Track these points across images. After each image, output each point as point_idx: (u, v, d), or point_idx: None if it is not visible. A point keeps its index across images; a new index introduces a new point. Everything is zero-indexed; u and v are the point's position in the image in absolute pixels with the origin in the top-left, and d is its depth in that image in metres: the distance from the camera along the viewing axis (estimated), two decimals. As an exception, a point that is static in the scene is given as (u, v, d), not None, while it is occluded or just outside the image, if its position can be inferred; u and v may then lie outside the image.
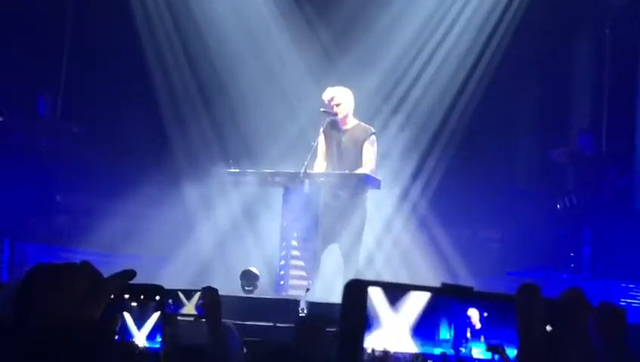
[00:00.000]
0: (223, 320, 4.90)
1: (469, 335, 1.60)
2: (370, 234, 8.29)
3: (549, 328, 1.45)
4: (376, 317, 1.37)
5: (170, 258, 8.93)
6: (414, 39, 10.68)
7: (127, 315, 3.34)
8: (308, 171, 7.57)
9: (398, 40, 10.68)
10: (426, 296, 1.48)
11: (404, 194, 9.68)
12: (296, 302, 6.78)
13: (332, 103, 7.73)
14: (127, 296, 3.03)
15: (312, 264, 7.60)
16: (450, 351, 1.63)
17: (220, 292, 4.23)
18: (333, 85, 7.92)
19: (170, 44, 10.62)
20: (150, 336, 3.50)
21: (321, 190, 7.64)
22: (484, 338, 1.60)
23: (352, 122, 7.81)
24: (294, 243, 7.62)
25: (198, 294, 4.70)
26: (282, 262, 7.60)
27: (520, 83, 11.28)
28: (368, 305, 1.38)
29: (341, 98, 7.77)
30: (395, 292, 1.45)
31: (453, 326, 1.58)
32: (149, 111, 10.55)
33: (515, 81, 11.13)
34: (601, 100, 11.23)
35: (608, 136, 10.93)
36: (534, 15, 10.90)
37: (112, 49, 10.52)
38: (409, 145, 10.17)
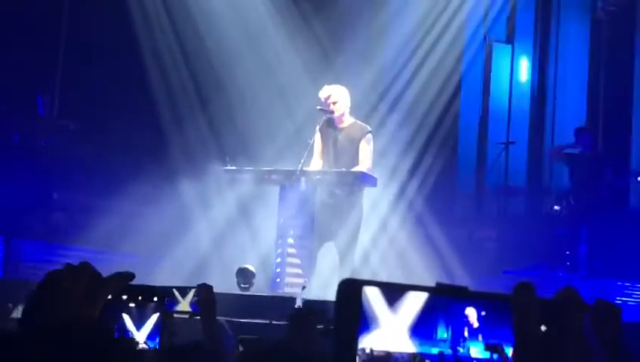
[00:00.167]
0: (214, 318, 4.90)
1: (466, 334, 1.60)
2: (366, 233, 8.29)
3: (544, 327, 1.45)
4: (375, 318, 1.37)
5: (166, 255, 8.92)
6: (411, 37, 10.68)
7: (126, 316, 3.35)
8: (304, 169, 7.57)
9: (395, 37, 10.68)
10: (423, 296, 1.48)
11: (401, 193, 9.68)
12: (292, 300, 6.78)
13: (329, 101, 7.73)
14: (125, 297, 3.03)
15: (308, 262, 7.60)
16: (448, 351, 1.64)
17: (216, 290, 4.23)
18: (329, 83, 7.92)
19: (167, 41, 10.60)
20: (149, 337, 3.51)
21: (317, 188, 7.65)
22: (482, 337, 1.60)
23: (348, 120, 7.81)
24: (290, 240, 7.62)
25: (192, 291, 4.70)
26: (278, 260, 7.61)
27: (512, 79, 11.32)
28: (366, 305, 1.38)
29: (338, 96, 7.76)
30: (393, 293, 1.45)
31: (450, 325, 1.58)
32: (145, 108, 10.53)
33: (507, 78, 11.17)
34: (597, 99, 11.25)
35: (605, 135, 10.94)
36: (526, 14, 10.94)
37: (108, 47, 10.50)
38: (405, 144, 10.18)
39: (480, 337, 1.64)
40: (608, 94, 11.16)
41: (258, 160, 8.76)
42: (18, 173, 9.45)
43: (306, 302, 6.62)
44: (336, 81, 8.05)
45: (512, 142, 11.10)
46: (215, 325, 4.38)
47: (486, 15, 11.30)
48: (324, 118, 7.73)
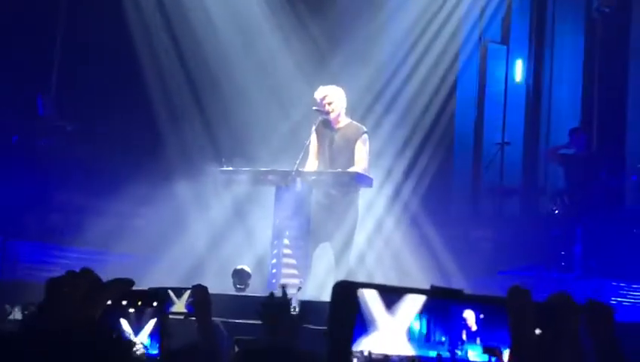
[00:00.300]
0: (210, 319, 4.91)
1: (464, 337, 1.61)
2: (362, 233, 8.30)
3: (539, 331, 1.45)
4: (373, 320, 1.38)
5: (162, 256, 8.92)
6: (406, 38, 10.69)
7: (124, 321, 3.35)
8: (300, 170, 7.58)
9: (391, 38, 10.69)
10: (421, 299, 1.49)
11: (396, 193, 9.70)
12: (290, 300, 6.77)
13: (324, 102, 7.74)
14: (125, 303, 3.04)
15: (304, 262, 7.61)
16: (446, 354, 1.64)
17: (212, 291, 4.24)
18: (325, 84, 7.93)
19: (164, 42, 10.60)
20: (150, 342, 3.51)
21: (313, 189, 7.65)
22: (481, 340, 1.61)
23: (344, 121, 7.81)
24: (286, 241, 7.62)
25: (188, 292, 4.71)
26: (274, 261, 7.61)
27: (507, 80, 11.34)
28: (364, 308, 1.39)
29: (333, 97, 7.77)
30: (391, 296, 1.45)
31: (448, 328, 1.59)
32: (141, 109, 10.54)
33: (502, 79, 11.19)
34: (591, 100, 11.27)
35: (599, 135, 10.97)
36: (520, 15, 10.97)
37: (105, 48, 10.51)
38: (401, 144, 10.19)
39: (478, 340, 1.65)
40: (603, 95, 11.19)
41: (254, 161, 8.76)
42: (15, 173, 9.45)
43: (302, 303, 6.62)
44: (332, 81, 8.06)
45: (507, 143, 11.12)
46: (210, 326, 4.38)
47: (481, 16, 11.32)
48: (320, 118, 7.74)
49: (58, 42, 10.65)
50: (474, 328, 1.65)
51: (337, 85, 7.92)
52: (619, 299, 8.68)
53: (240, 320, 6.16)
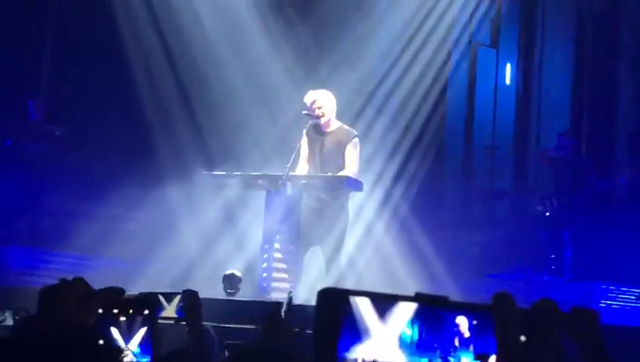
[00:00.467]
0: (203, 323, 4.91)
1: (457, 343, 1.61)
2: (352, 237, 8.31)
3: (524, 338, 1.46)
4: (366, 329, 1.38)
5: (152, 261, 8.91)
6: (396, 41, 10.71)
7: (114, 330, 3.35)
8: (290, 174, 7.58)
9: (381, 42, 10.70)
10: (412, 306, 1.49)
11: (386, 197, 9.71)
12: (278, 305, 6.77)
13: (314, 106, 7.75)
14: (116, 311, 3.04)
15: (295, 267, 7.61)
16: (438, 361, 1.64)
17: (202, 295, 4.24)
18: (315, 88, 7.94)
19: (154, 47, 10.60)
20: (141, 350, 3.51)
21: (303, 193, 7.65)
22: (473, 346, 1.61)
23: (334, 125, 7.82)
24: (277, 245, 7.62)
25: (178, 297, 4.71)
26: (265, 265, 7.60)
27: (497, 83, 11.37)
28: (357, 316, 1.39)
29: (323, 101, 7.78)
30: (383, 303, 1.46)
31: (440, 335, 1.59)
32: (131, 114, 10.53)
33: (492, 82, 11.21)
34: (581, 103, 11.31)
35: (588, 138, 11.00)
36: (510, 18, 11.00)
37: (95, 52, 10.50)
38: (391, 148, 10.20)
39: (471, 347, 1.65)
40: (592, 98, 11.23)
41: (244, 165, 8.76)
42: (5, 178, 9.43)
43: (293, 308, 6.62)
44: (322, 86, 8.07)
45: (496, 147, 11.15)
46: (201, 330, 4.38)
47: (471, 19, 11.34)
48: (311, 122, 7.75)
49: (48, 46, 10.64)
50: (467, 334, 1.65)
51: (327, 89, 7.93)
52: (608, 302, 8.72)
53: (230, 325, 6.17)
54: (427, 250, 9.58)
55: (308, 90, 7.91)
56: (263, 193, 7.79)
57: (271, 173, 7.77)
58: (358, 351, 1.52)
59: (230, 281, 7.60)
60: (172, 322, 4.64)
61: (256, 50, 10.56)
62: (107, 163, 10.23)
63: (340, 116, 7.97)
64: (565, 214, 9.83)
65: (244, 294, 7.66)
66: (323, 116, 7.72)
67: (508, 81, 11.80)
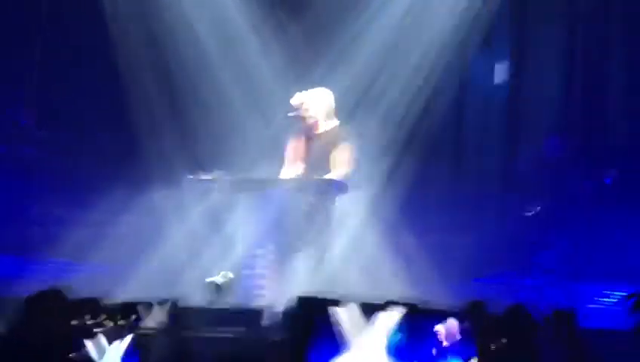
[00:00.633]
0: (187, 331, 4.92)
1: (434, 352, 1.60)
2: (339, 241, 8.30)
3: (498, 343, 1.47)
4: (350, 338, 1.38)
5: (136, 267, 8.89)
6: (386, 43, 10.72)
7: (98, 337, 3.34)
8: (278, 177, 7.57)
9: (371, 44, 10.71)
10: (397, 315, 1.49)
11: (374, 200, 9.70)
12: (263, 312, 6.77)
13: (301, 108, 7.75)
14: (98, 319, 3.04)
15: (281, 271, 7.60)
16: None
17: (187, 302, 4.23)
18: (305, 89, 7.93)
19: (142, 50, 10.59)
20: (122, 357, 3.51)
21: (291, 196, 7.64)
22: (461, 351, 1.60)
23: (324, 126, 7.81)
24: (262, 250, 7.61)
25: (159, 306, 4.72)
26: (249, 271, 7.59)
27: (488, 85, 11.38)
28: (341, 326, 1.39)
29: (310, 103, 7.78)
30: (367, 313, 1.46)
31: (426, 341, 1.59)
32: (118, 118, 10.52)
33: (483, 84, 11.23)
34: (571, 103, 11.33)
35: (576, 139, 11.02)
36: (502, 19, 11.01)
37: (82, 56, 10.49)
38: (380, 150, 10.20)
39: (458, 352, 1.65)
40: (582, 98, 11.25)
41: (231, 169, 8.75)
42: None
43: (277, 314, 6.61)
44: (314, 87, 8.05)
45: (487, 148, 11.16)
46: (185, 339, 4.39)
47: (462, 18, 11.32)
48: (299, 125, 7.75)
49: (37, 52, 10.63)
50: (457, 337, 1.66)
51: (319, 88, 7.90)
52: (593, 305, 8.74)
53: (213, 334, 6.16)
54: (413, 253, 9.58)
55: (298, 91, 7.90)
56: (250, 197, 7.78)
57: (258, 177, 7.76)
58: (341, 361, 1.52)
59: (214, 288, 7.59)
60: (153, 331, 4.64)
61: (246, 51, 10.57)
62: (94, 168, 10.21)
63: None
64: (551, 216, 9.85)
65: (228, 301, 7.64)
66: (310, 118, 7.72)
67: (499, 81, 11.80)
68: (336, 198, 7.82)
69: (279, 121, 9.22)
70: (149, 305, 4.84)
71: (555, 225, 9.75)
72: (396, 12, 10.77)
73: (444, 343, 1.45)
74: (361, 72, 10.58)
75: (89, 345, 3.29)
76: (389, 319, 1.35)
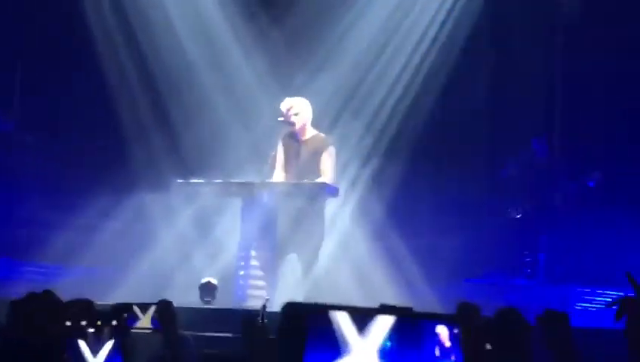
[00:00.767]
0: (180, 332, 4.90)
1: (438, 353, 1.59)
2: (328, 244, 8.30)
3: (489, 346, 1.47)
4: (345, 343, 1.36)
5: (127, 270, 8.87)
6: (371, 46, 10.73)
7: (81, 342, 3.32)
8: (267, 181, 7.58)
9: (355, 48, 10.72)
10: (391, 319, 1.48)
11: (361, 204, 9.70)
12: (254, 313, 6.75)
13: (290, 113, 7.76)
14: (83, 323, 3.02)
15: (271, 274, 7.59)
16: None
17: (178, 304, 4.22)
18: (290, 95, 7.95)
19: (127, 55, 10.57)
20: (107, 359, 3.49)
21: (279, 200, 7.64)
22: (455, 356, 1.59)
23: (310, 132, 7.84)
24: (253, 253, 7.61)
25: (153, 307, 4.71)
26: (241, 273, 7.59)
27: (473, 88, 11.39)
28: (337, 330, 1.38)
29: (298, 108, 7.80)
30: (362, 317, 1.44)
31: (421, 346, 1.57)
32: (105, 122, 10.50)
33: (467, 86, 11.24)
34: (552, 106, 11.36)
35: (561, 141, 11.05)
36: (486, 23, 11.03)
37: (66, 61, 10.46)
38: (366, 154, 10.21)
39: (453, 357, 1.63)
40: (564, 100, 11.28)
41: (220, 172, 8.74)
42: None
43: (269, 315, 6.60)
44: (297, 92, 8.08)
45: (472, 149, 11.17)
46: (176, 339, 4.38)
47: (446, 21, 11.34)
48: (286, 130, 7.76)
49: (19, 56, 10.59)
50: (447, 344, 1.64)
51: (303, 96, 7.94)
52: (584, 305, 8.76)
53: (207, 333, 6.15)
54: (403, 255, 9.58)
55: (283, 97, 7.92)
56: (240, 201, 7.78)
57: (247, 181, 7.76)
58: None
59: (206, 289, 7.58)
60: (148, 332, 4.64)
61: (230, 57, 10.56)
62: (81, 172, 10.18)
63: (315, 122, 7.98)
64: (540, 217, 9.87)
65: (220, 302, 7.63)
66: (298, 123, 7.73)
67: (482, 83, 11.80)
68: (326, 202, 7.83)
69: (264, 125, 9.22)
70: (142, 306, 4.83)
71: (544, 226, 9.78)
72: (381, 14, 10.79)
73: (447, 344, 1.44)
74: (344, 76, 10.59)
75: (82, 344, 3.27)
76: (382, 324, 1.34)
